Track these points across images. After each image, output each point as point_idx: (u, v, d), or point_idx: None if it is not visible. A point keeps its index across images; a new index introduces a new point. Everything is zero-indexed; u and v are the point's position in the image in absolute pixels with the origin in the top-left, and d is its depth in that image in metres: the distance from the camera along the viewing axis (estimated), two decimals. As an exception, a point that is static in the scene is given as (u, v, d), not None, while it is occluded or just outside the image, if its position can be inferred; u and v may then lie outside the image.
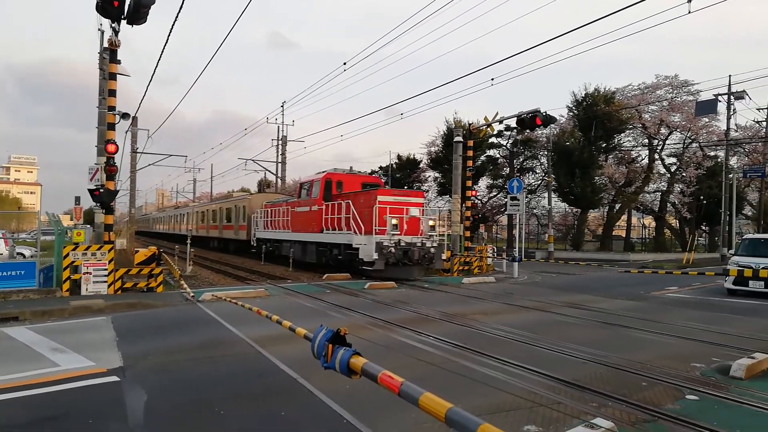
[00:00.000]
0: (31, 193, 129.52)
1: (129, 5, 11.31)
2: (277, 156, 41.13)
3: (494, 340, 8.21)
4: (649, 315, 11.02)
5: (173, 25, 12.23)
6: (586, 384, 5.77)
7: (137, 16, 11.37)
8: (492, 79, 18.65)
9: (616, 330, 9.28)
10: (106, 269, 12.77)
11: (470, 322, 9.68)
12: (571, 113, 38.56)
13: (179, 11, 11.50)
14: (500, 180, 42.96)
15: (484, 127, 22.55)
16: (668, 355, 7.29)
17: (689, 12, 11.94)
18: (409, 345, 7.74)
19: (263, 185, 53.82)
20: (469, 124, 23.55)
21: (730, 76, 31.06)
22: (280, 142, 40.84)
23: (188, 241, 22.81)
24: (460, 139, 21.71)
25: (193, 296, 12.40)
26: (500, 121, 21.40)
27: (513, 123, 20.29)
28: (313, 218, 20.02)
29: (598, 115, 35.67)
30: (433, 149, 44.44)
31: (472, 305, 12.20)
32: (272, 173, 42.48)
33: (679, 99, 36.68)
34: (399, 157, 51.35)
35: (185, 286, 14.15)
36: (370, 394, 4.83)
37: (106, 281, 12.74)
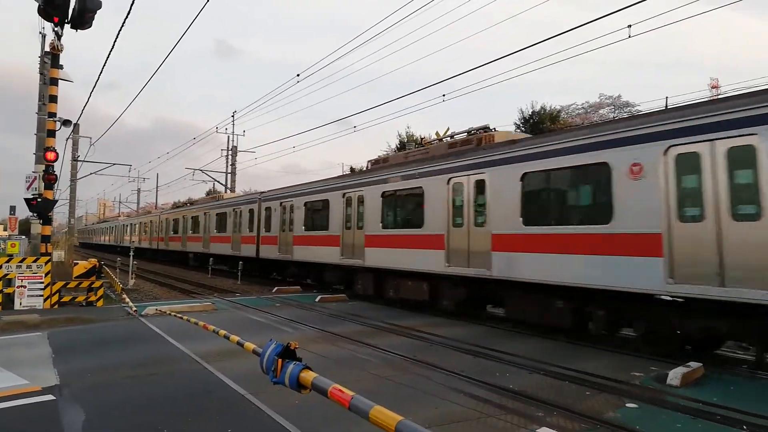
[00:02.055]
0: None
1: (74, 10, 10.95)
2: (227, 166, 40.41)
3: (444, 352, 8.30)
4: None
5: (119, 31, 11.88)
6: (532, 394, 5.92)
7: (82, 21, 11.03)
8: (443, 95, 19.03)
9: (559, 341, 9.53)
10: (42, 282, 12.18)
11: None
12: (519, 130, 39.72)
13: (126, 17, 11.17)
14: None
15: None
16: (610, 365, 7.55)
17: (629, 36, 12.61)
18: (359, 358, 7.72)
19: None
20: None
21: (667, 97, 32.93)
22: (230, 152, 40.17)
23: (131, 253, 22.10)
24: (411, 152, 21.95)
25: (135, 311, 11.94)
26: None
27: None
28: None
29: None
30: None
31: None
32: (221, 184, 41.66)
33: (620, 118, 38.47)
34: (351, 169, 51.38)
35: (127, 299, 13.63)
36: (319, 408, 4.77)
37: (42, 295, 12.15)
